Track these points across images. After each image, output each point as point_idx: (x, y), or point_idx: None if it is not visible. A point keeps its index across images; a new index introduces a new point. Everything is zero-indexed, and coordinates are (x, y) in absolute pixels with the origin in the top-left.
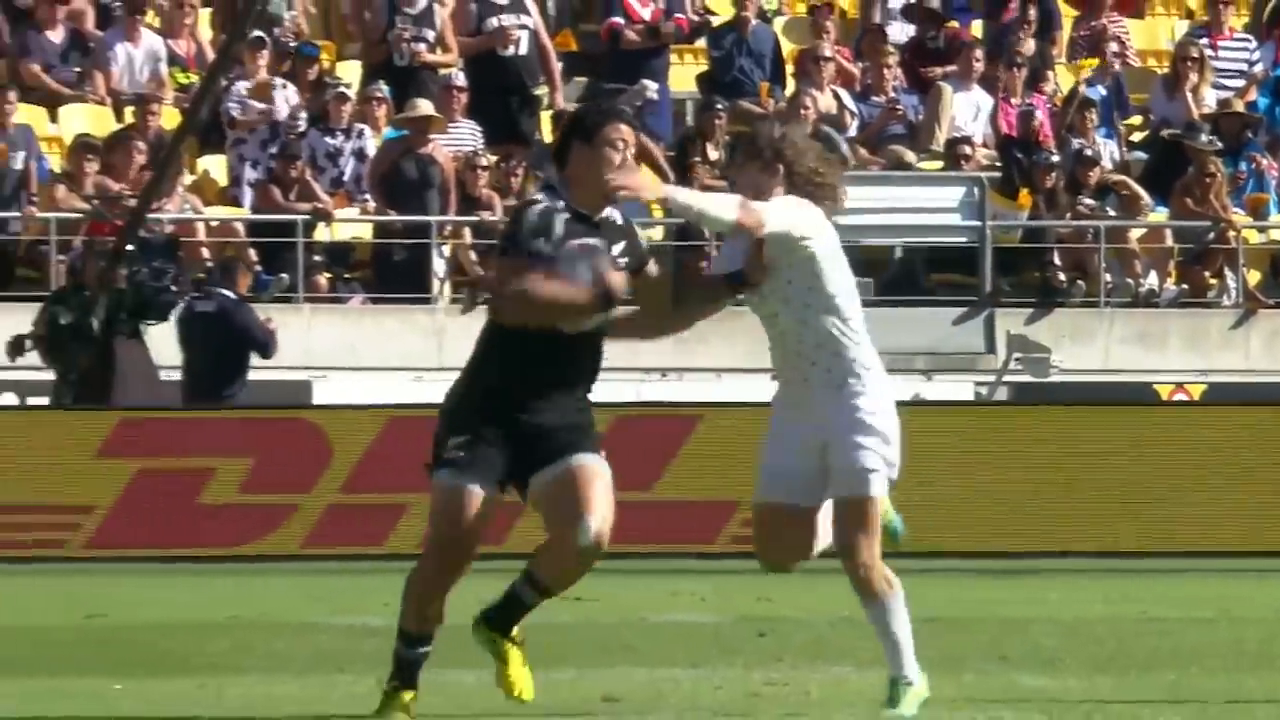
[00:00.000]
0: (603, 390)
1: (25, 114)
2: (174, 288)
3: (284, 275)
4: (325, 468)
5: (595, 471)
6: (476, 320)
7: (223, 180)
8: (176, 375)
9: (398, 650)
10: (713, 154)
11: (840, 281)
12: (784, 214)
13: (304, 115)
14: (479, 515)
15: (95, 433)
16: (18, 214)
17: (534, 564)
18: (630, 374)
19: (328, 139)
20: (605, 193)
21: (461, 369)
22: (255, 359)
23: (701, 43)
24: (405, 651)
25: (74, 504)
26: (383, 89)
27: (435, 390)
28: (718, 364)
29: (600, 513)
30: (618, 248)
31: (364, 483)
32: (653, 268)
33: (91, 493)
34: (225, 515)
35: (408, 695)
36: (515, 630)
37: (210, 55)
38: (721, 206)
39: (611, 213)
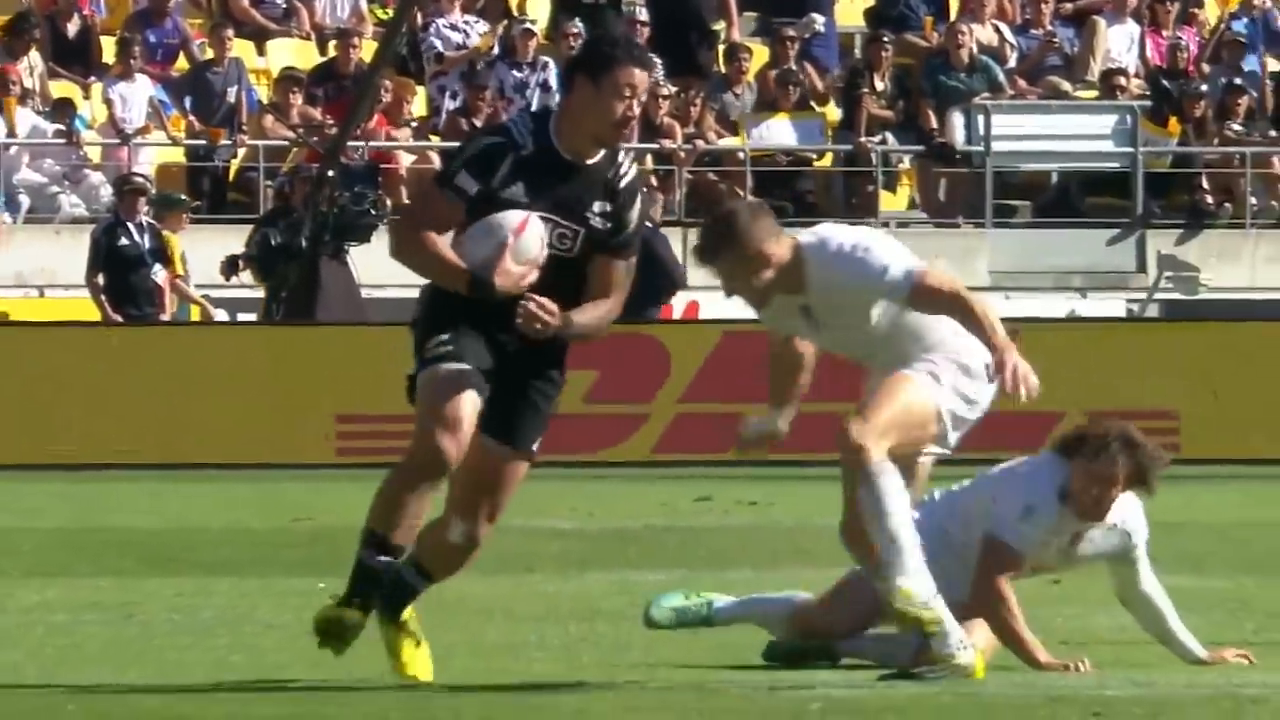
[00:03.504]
0: None
1: (236, 48)
2: (374, 211)
3: None
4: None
5: (513, 477)
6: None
7: (422, 111)
8: (377, 294)
9: (359, 556)
10: (879, 85)
11: None
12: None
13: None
14: (469, 395)
15: None
16: (229, 142)
17: (419, 549)
18: None
19: (514, 72)
20: (597, 137)
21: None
22: None
23: None
24: (366, 556)
25: None
26: (577, 24)
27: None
28: None
29: (486, 519)
30: (596, 205)
31: (705, 393)
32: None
33: None
34: (572, 424)
35: (352, 613)
36: (406, 614)
37: None
38: None
39: (622, 169)
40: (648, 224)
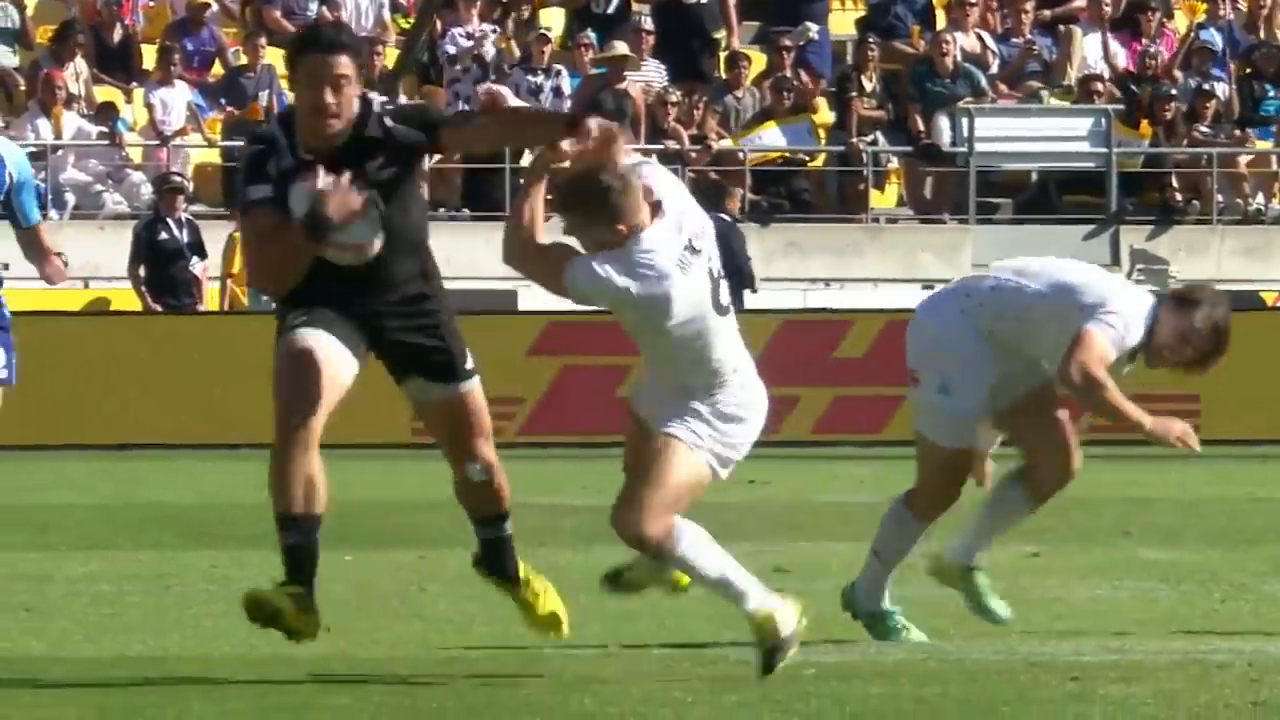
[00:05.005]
0: (772, 298)
1: (268, 55)
2: None
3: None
4: None
5: (475, 401)
6: None
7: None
8: None
9: (280, 543)
10: (867, 85)
11: None
12: None
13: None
14: (321, 353)
15: (527, 333)
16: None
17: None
18: (797, 283)
19: (530, 77)
20: (310, 125)
21: None
22: None
23: None
24: (282, 537)
25: (508, 396)
26: (590, 36)
27: None
28: (872, 274)
29: (485, 446)
30: (374, 164)
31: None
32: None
33: (523, 386)
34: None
35: (292, 589)
36: (522, 570)
37: None
38: None
39: (367, 127)
40: (726, 218)
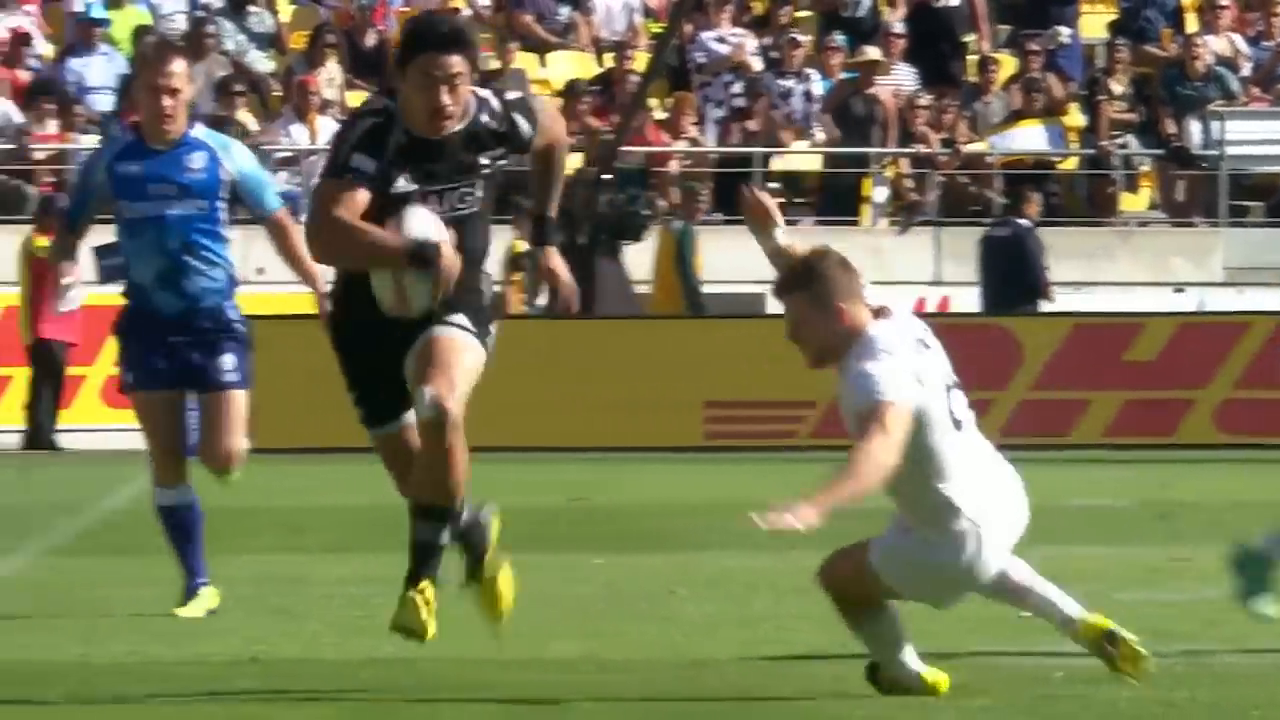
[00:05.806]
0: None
1: (519, 60)
2: (645, 211)
3: None
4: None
5: (446, 341)
6: (910, 240)
7: (690, 117)
8: (645, 290)
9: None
10: (1117, 89)
11: None
12: None
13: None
14: (398, 441)
15: None
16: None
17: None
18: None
19: (780, 81)
20: (425, 127)
21: None
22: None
23: None
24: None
25: (799, 400)
26: (840, 39)
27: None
28: (1123, 278)
29: (440, 380)
30: (484, 158)
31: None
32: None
33: (813, 389)
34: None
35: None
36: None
37: None
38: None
39: (483, 117)
40: (1024, 223)
